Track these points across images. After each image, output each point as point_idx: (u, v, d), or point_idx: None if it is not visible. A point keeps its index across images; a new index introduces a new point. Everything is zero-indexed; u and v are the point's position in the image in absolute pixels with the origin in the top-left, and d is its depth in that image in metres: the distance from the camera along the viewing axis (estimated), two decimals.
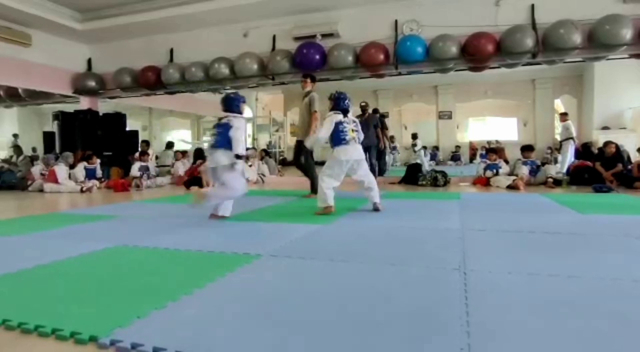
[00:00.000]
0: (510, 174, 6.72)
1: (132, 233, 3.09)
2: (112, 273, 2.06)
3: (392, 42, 6.58)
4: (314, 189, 5.09)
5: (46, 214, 4.38)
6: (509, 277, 1.87)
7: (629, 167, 6.42)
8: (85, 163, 7.29)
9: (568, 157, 8.47)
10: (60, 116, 8.55)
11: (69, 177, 7.00)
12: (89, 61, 8.79)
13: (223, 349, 1.24)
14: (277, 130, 15.69)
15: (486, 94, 13.80)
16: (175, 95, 9.16)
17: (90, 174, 7.23)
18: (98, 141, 8.45)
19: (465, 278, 1.86)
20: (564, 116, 9.00)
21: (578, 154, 8.46)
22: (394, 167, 11.46)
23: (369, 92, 13.74)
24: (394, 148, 12.98)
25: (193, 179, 7.20)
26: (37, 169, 7.22)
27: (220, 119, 3.60)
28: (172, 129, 14.79)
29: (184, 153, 9.02)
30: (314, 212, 3.83)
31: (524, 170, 6.54)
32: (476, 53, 6.08)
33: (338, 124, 3.84)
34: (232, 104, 3.60)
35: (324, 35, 6.91)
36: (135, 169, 7.38)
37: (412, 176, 7.11)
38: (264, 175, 8.45)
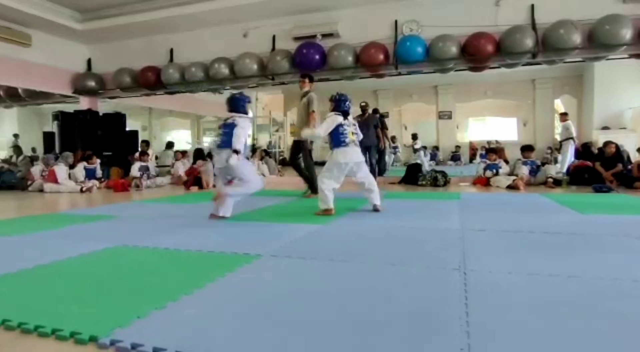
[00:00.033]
0: (510, 174, 6.72)
1: (132, 233, 3.09)
2: (112, 273, 2.06)
3: (392, 42, 6.58)
4: (313, 188, 5.09)
5: (46, 214, 4.38)
6: (509, 277, 1.87)
7: (629, 167, 6.42)
8: (85, 163, 7.29)
9: (568, 157, 8.47)
10: (60, 116, 8.54)
11: (69, 177, 7.00)
12: (89, 61, 8.79)
13: (223, 349, 1.24)
14: (277, 130, 15.69)
15: (486, 94, 13.80)
16: (175, 96, 9.16)
17: (90, 174, 7.23)
18: (98, 141, 8.45)
19: (465, 278, 1.86)
20: (564, 116, 9.00)
21: (578, 154, 8.46)
22: (394, 167, 11.46)
23: (369, 92, 13.74)
24: (395, 147, 13.00)
25: (193, 179, 7.20)
26: (37, 169, 7.21)
27: (226, 119, 3.59)
28: (172, 129, 14.79)
29: (183, 153, 9.02)
30: (314, 212, 3.83)
31: (524, 171, 6.54)
32: (476, 53, 6.08)
33: (338, 125, 3.83)
34: (237, 104, 3.60)
35: (323, 35, 6.91)
36: (135, 169, 7.38)
37: (412, 176, 7.11)
38: (263, 175, 8.45)
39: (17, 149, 11.37)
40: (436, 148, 14.23)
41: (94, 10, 7.52)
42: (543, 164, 7.31)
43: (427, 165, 10.25)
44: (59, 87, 8.45)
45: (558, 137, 10.24)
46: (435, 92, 13.97)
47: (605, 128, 10.30)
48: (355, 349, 1.22)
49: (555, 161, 9.65)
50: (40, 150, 10.09)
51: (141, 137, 10.05)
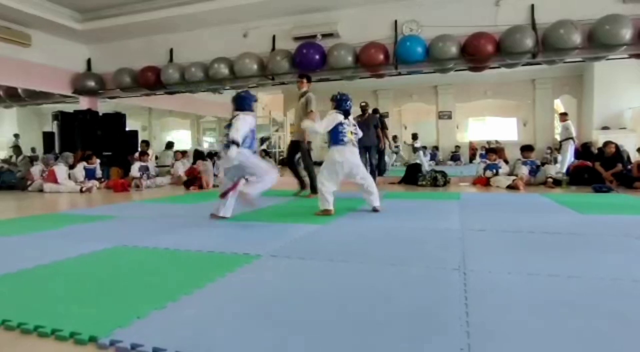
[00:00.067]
0: (510, 174, 6.72)
1: (132, 233, 3.09)
2: (112, 273, 2.06)
3: (392, 42, 6.58)
4: (313, 188, 5.10)
5: (46, 214, 4.38)
6: (508, 277, 1.87)
7: (629, 167, 6.42)
8: (84, 163, 7.29)
9: (568, 157, 8.47)
10: (59, 116, 8.54)
11: (69, 177, 7.00)
12: (89, 61, 8.79)
13: (223, 349, 1.24)
14: (276, 130, 15.69)
15: (486, 94, 13.79)
16: (175, 96, 9.15)
17: (89, 174, 7.23)
18: (98, 141, 8.45)
19: (465, 278, 1.86)
20: (563, 116, 9.00)
21: (578, 154, 8.46)
22: (394, 167, 11.46)
23: (369, 92, 13.73)
24: (397, 146, 13.01)
25: (193, 179, 7.21)
26: (36, 169, 7.22)
27: (231, 118, 3.58)
28: (172, 129, 14.80)
29: (183, 153, 9.02)
30: (314, 212, 3.83)
31: (524, 171, 6.54)
32: (476, 53, 6.08)
33: (338, 124, 3.84)
34: (243, 103, 3.59)
35: (323, 35, 6.91)
36: (135, 169, 7.38)
37: (412, 176, 7.12)
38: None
39: (17, 149, 11.37)
40: (436, 148, 14.23)
41: (94, 10, 7.51)
42: (543, 164, 7.31)
43: (426, 165, 10.25)
44: (58, 87, 8.45)
45: (558, 137, 10.24)
46: (435, 92, 13.97)
47: (605, 128, 10.30)
48: (355, 349, 1.22)
49: (555, 161, 9.65)
50: (40, 151, 10.10)
51: (141, 137, 10.05)
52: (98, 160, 7.54)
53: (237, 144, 3.38)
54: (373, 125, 7.27)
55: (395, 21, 6.67)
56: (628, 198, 4.95)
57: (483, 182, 6.77)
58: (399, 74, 6.95)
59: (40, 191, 6.77)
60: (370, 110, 7.92)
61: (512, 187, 6.14)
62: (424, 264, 2.11)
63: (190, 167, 7.99)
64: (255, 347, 1.24)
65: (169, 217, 3.92)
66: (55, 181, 6.76)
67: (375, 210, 3.96)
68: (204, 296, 1.70)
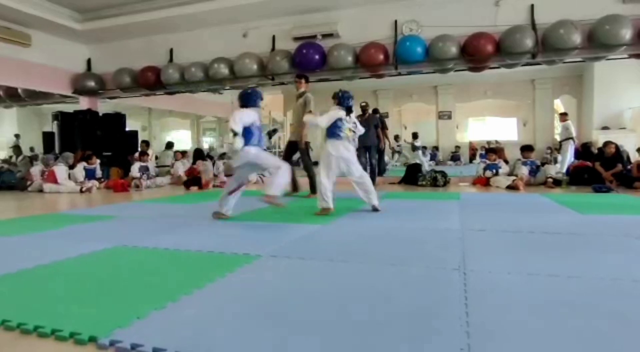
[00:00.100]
0: (510, 174, 6.72)
1: (132, 233, 3.09)
2: (111, 273, 2.06)
3: (392, 42, 6.58)
4: (313, 188, 5.10)
5: (46, 214, 4.38)
6: (508, 278, 1.87)
7: (629, 167, 6.42)
8: (84, 163, 7.29)
9: (568, 157, 8.47)
10: (59, 116, 8.55)
11: (69, 177, 7.00)
12: (89, 61, 8.79)
13: (223, 349, 1.23)
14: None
15: (486, 94, 13.79)
16: (175, 96, 9.15)
17: (89, 174, 7.23)
18: (97, 141, 8.45)
19: (465, 278, 1.86)
20: (563, 116, 9.00)
21: (578, 154, 8.46)
22: (395, 167, 11.47)
23: (369, 92, 13.72)
24: (399, 146, 13.01)
25: (192, 179, 7.20)
26: (36, 169, 7.22)
27: None
28: (172, 129, 14.80)
29: (183, 153, 9.03)
30: (314, 212, 3.83)
31: (524, 171, 6.54)
32: (476, 53, 6.08)
33: (338, 119, 3.89)
34: (249, 100, 3.57)
35: (323, 36, 6.91)
36: (135, 170, 7.38)
37: (412, 176, 7.11)
38: (263, 175, 8.44)
39: (17, 149, 11.37)
40: (436, 148, 14.22)
41: (94, 10, 7.51)
42: (543, 164, 7.31)
43: (426, 164, 10.25)
44: (58, 87, 8.45)
45: (558, 137, 10.24)
46: (435, 92, 13.96)
47: (605, 128, 10.29)
48: (355, 349, 1.22)
49: (555, 161, 9.64)
50: (39, 151, 10.10)
51: (141, 137, 10.05)
52: (98, 161, 7.54)
53: (236, 134, 3.35)
54: (373, 125, 7.27)
55: (395, 21, 6.67)
56: (628, 198, 4.95)
57: (483, 182, 6.77)
58: (399, 74, 6.95)
59: (40, 191, 6.77)
60: (370, 111, 7.93)
61: (512, 187, 6.14)
62: (424, 264, 2.11)
63: (190, 167, 7.99)
64: (255, 347, 1.24)
65: (169, 217, 3.92)
66: (55, 181, 6.75)
67: (375, 209, 3.96)
68: (204, 296, 1.70)
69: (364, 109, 7.33)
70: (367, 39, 6.63)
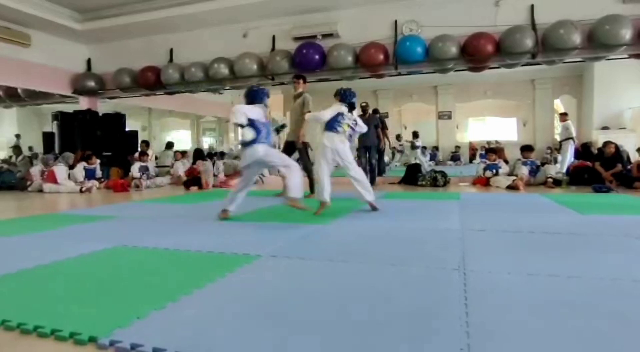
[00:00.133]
0: (510, 174, 6.72)
1: (132, 233, 3.09)
2: (111, 273, 2.06)
3: (392, 43, 6.58)
4: (313, 189, 5.10)
5: (46, 214, 4.38)
6: (508, 278, 1.87)
7: (629, 167, 6.42)
8: (84, 163, 7.29)
9: (568, 157, 8.48)
10: (59, 116, 8.54)
11: (69, 177, 7.00)
12: (89, 61, 8.79)
13: (223, 349, 1.23)
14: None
15: (486, 94, 13.80)
16: (175, 96, 9.16)
17: (89, 174, 7.23)
18: (97, 141, 8.45)
19: (465, 278, 1.86)
20: (563, 116, 9.00)
21: (578, 154, 8.46)
22: (396, 167, 11.47)
23: (369, 92, 13.73)
24: (401, 146, 13.02)
25: (192, 179, 7.20)
26: (36, 169, 7.22)
27: None
28: (172, 129, 14.80)
29: (183, 153, 9.03)
30: (313, 212, 3.83)
31: (524, 171, 6.54)
32: (476, 53, 6.09)
33: (338, 114, 3.93)
34: (255, 96, 3.55)
35: (323, 36, 6.91)
36: (135, 170, 7.38)
37: (412, 176, 7.11)
38: (263, 175, 8.44)
39: (16, 149, 11.38)
40: (436, 148, 14.23)
41: (94, 11, 7.52)
42: (543, 164, 7.31)
43: (425, 163, 10.25)
44: (58, 87, 8.45)
45: (558, 137, 10.24)
46: (435, 92, 13.97)
47: (604, 128, 10.30)
48: (355, 349, 1.22)
49: (555, 161, 9.65)
50: (39, 151, 10.10)
51: (141, 137, 10.05)
52: (98, 161, 7.54)
53: (241, 126, 3.36)
54: (374, 125, 7.28)
55: (395, 21, 6.67)
56: (628, 198, 4.95)
57: (483, 182, 6.77)
58: (399, 74, 6.95)
59: (40, 191, 6.77)
60: (370, 111, 7.94)
61: (512, 187, 6.14)
62: (424, 264, 2.11)
63: (190, 167, 7.99)
64: (255, 347, 1.24)
65: (169, 217, 3.92)
66: (55, 181, 6.75)
67: (371, 206, 3.99)
68: (204, 296, 1.69)
69: (364, 109, 7.34)
70: (367, 39, 6.64)
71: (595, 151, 7.79)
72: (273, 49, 7.26)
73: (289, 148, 5.50)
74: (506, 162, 7.13)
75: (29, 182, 7.07)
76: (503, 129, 15.25)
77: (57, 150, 8.41)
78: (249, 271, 2.05)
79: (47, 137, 9.48)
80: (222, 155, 10.33)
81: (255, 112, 3.43)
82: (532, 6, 6.07)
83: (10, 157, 11.04)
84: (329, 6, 6.89)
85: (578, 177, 6.54)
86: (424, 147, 13.20)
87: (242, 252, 2.40)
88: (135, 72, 8.02)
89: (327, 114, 3.93)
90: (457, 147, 14.30)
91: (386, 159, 10.52)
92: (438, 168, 8.21)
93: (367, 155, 6.71)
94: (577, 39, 5.63)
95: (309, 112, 5.03)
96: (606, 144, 6.77)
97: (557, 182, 6.39)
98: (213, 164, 7.78)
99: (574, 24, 5.63)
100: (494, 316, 1.44)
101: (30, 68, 7.72)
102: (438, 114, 14.11)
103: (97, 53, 8.75)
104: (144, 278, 1.96)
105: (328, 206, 3.83)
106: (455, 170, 9.36)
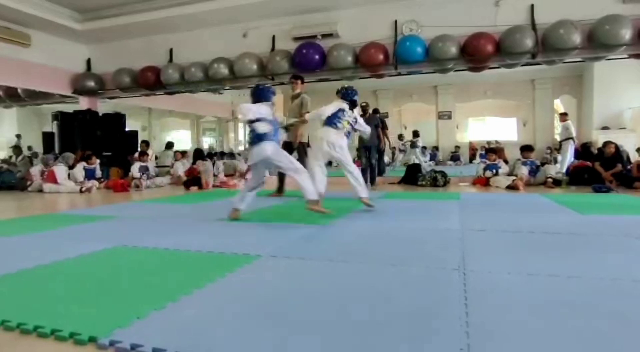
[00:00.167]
0: (510, 174, 6.72)
1: (132, 233, 3.08)
2: (111, 273, 2.06)
3: (392, 43, 6.58)
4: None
5: (46, 214, 4.38)
6: (508, 278, 1.87)
7: (629, 167, 6.42)
8: (84, 163, 7.29)
9: (567, 157, 8.48)
10: (59, 116, 8.54)
11: (68, 177, 7.00)
12: (89, 61, 8.79)
13: (223, 349, 1.23)
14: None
15: (486, 94, 13.81)
16: (175, 96, 9.16)
17: (89, 174, 7.22)
18: (97, 141, 8.44)
19: (464, 278, 1.86)
20: (563, 116, 9.01)
21: (577, 154, 8.46)
22: (396, 168, 11.48)
23: (369, 92, 13.74)
24: (404, 145, 13.03)
25: (192, 179, 7.20)
26: (36, 169, 7.22)
27: None
28: (172, 129, 14.80)
29: (183, 153, 9.03)
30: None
31: (524, 171, 6.54)
32: (476, 53, 6.08)
33: (339, 110, 3.96)
34: (261, 94, 3.53)
35: (323, 36, 6.91)
36: (135, 170, 7.38)
37: (412, 176, 7.12)
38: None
39: (17, 149, 11.38)
40: (436, 148, 14.24)
41: (94, 10, 7.51)
42: (543, 164, 7.31)
43: (423, 162, 10.25)
44: (58, 87, 8.45)
45: (558, 137, 10.25)
46: (435, 92, 13.98)
47: (604, 128, 10.31)
48: (355, 349, 1.22)
49: (555, 161, 9.66)
50: (39, 151, 10.10)
51: (141, 137, 10.05)
52: (98, 161, 7.54)
53: (251, 121, 3.35)
54: (374, 125, 7.28)
55: (395, 21, 6.67)
56: (628, 198, 4.95)
57: (483, 182, 6.77)
58: (399, 74, 6.95)
59: (40, 191, 6.77)
60: (370, 111, 7.94)
61: (511, 187, 6.14)
62: (424, 264, 2.11)
63: (190, 167, 7.99)
64: (255, 347, 1.24)
65: (168, 217, 3.92)
66: (54, 181, 6.75)
67: (365, 203, 4.00)
68: (204, 296, 1.69)
69: (364, 109, 7.34)
70: (367, 39, 6.64)
71: (595, 151, 7.80)
72: (273, 49, 7.26)
73: (286, 148, 5.50)
74: (506, 162, 7.14)
75: (29, 182, 7.07)
76: (503, 129, 15.27)
77: (57, 150, 8.41)
78: (249, 271, 2.05)
79: (47, 137, 9.48)
80: (222, 155, 10.34)
81: (262, 110, 3.42)
82: (532, 6, 6.07)
83: (10, 157, 11.03)
84: (329, 6, 6.89)
85: (578, 177, 6.54)
86: (424, 147, 13.21)
87: (242, 252, 2.40)
88: (135, 72, 8.01)
89: (328, 110, 3.96)
90: (457, 147, 14.31)
91: (386, 159, 10.52)
92: (438, 168, 8.21)
93: (367, 155, 6.71)
94: (577, 39, 5.63)
95: (307, 112, 5.03)
96: (606, 144, 6.77)
97: (557, 182, 6.39)
98: (213, 164, 7.78)
99: (574, 24, 5.63)
100: (494, 316, 1.44)
101: (30, 68, 7.72)
102: (438, 114, 14.12)
103: (97, 53, 8.75)
104: (144, 278, 1.96)
105: (322, 196, 3.82)
106: (455, 170, 9.37)
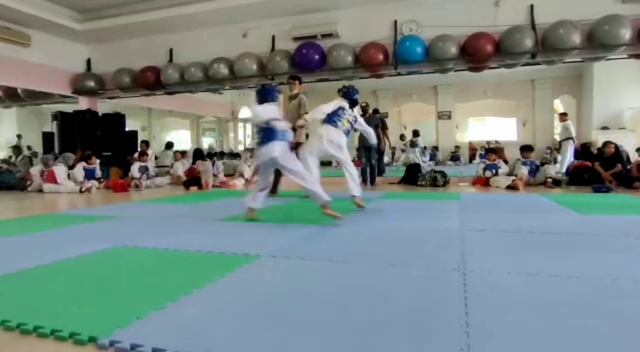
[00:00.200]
0: (510, 174, 6.72)
1: (132, 233, 3.08)
2: (111, 273, 2.05)
3: (392, 43, 6.58)
4: None
5: (46, 214, 4.38)
6: (508, 278, 1.87)
7: (628, 167, 6.42)
8: (84, 163, 7.29)
9: (567, 157, 8.48)
10: (59, 116, 8.55)
11: (68, 177, 6.99)
12: (88, 61, 8.79)
13: (223, 349, 1.23)
14: None
15: (485, 94, 13.81)
16: (175, 96, 9.16)
17: (89, 174, 7.22)
18: (97, 141, 8.45)
19: (464, 278, 1.86)
20: (563, 116, 9.01)
21: (577, 154, 8.46)
22: (396, 168, 11.49)
23: (369, 93, 13.74)
24: (405, 145, 13.04)
25: (192, 179, 7.20)
26: (36, 169, 7.22)
27: None
28: (172, 129, 14.81)
29: (183, 153, 9.02)
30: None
31: (524, 171, 6.54)
32: (475, 53, 6.09)
33: (339, 108, 3.97)
34: (267, 94, 3.51)
35: (323, 36, 6.92)
36: (134, 170, 7.37)
37: (412, 176, 7.12)
38: None
39: (16, 149, 11.38)
40: (436, 148, 14.23)
41: (94, 10, 7.52)
42: (542, 164, 7.31)
43: (422, 162, 10.26)
44: (58, 88, 8.45)
45: (557, 137, 10.25)
46: (435, 92, 13.99)
47: (604, 128, 10.31)
48: (355, 349, 1.22)
49: (555, 161, 9.65)
50: (39, 151, 10.10)
51: (140, 137, 10.06)
52: (97, 161, 7.53)
53: (267, 122, 3.30)
54: (374, 125, 7.28)
55: (395, 21, 6.67)
56: (628, 198, 4.95)
57: (482, 182, 6.77)
58: (399, 74, 6.95)
59: (40, 191, 6.77)
60: (370, 111, 7.94)
61: (511, 187, 6.13)
62: (424, 264, 2.11)
63: (189, 167, 7.99)
64: (255, 347, 1.24)
65: (168, 217, 3.92)
66: (54, 181, 6.75)
67: (356, 204, 4.00)
68: (204, 296, 1.69)
69: (364, 109, 7.35)
70: (366, 39, 6.64)
71: (595, 151, 7.80)
72: (273, 49, 7.26)
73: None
74: (506, 162, 7.14)
75: (28, 182, 7.07)
76: (503, 129, 15.28)
77: (56, 150, 8.41)
78: (249, 271, 2.05)
79: (47, 137, 9.48)
80: (221, 155, 10.34)
81: (269, 110, 3.40)
82: (532, 6, 6.08)
83: (10, 157, 11.03)
84: (329, 6, 6.89)
85: (578, 177, 6.54)
86: (424, 147, 13.21)
87: (242, 252, 2.40)
88: (135, 72, 8.02)
89: (328, 108, 3.96)
90: (457, 147, 14.31)
91: (386, 159, 10.53)
92: (438, 168, 8.21)
93: (367, 155, 6.71)
94: (576, 39, 5.63)
95: (306, 113, 5.03)
96: (606, 144, 6.77)
97: (556, 182, 6.39)
98: (213, 164, 7.78)
99: (574, 24, 5.64)
100: (494, 316, 1.44)
101: (30, 68, 7.72)
102: (438, 114, 14.12)
103: (97, 53, 8.75)
104: (144, 278, 1.96)
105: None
106: (455, 170, 9.37)
